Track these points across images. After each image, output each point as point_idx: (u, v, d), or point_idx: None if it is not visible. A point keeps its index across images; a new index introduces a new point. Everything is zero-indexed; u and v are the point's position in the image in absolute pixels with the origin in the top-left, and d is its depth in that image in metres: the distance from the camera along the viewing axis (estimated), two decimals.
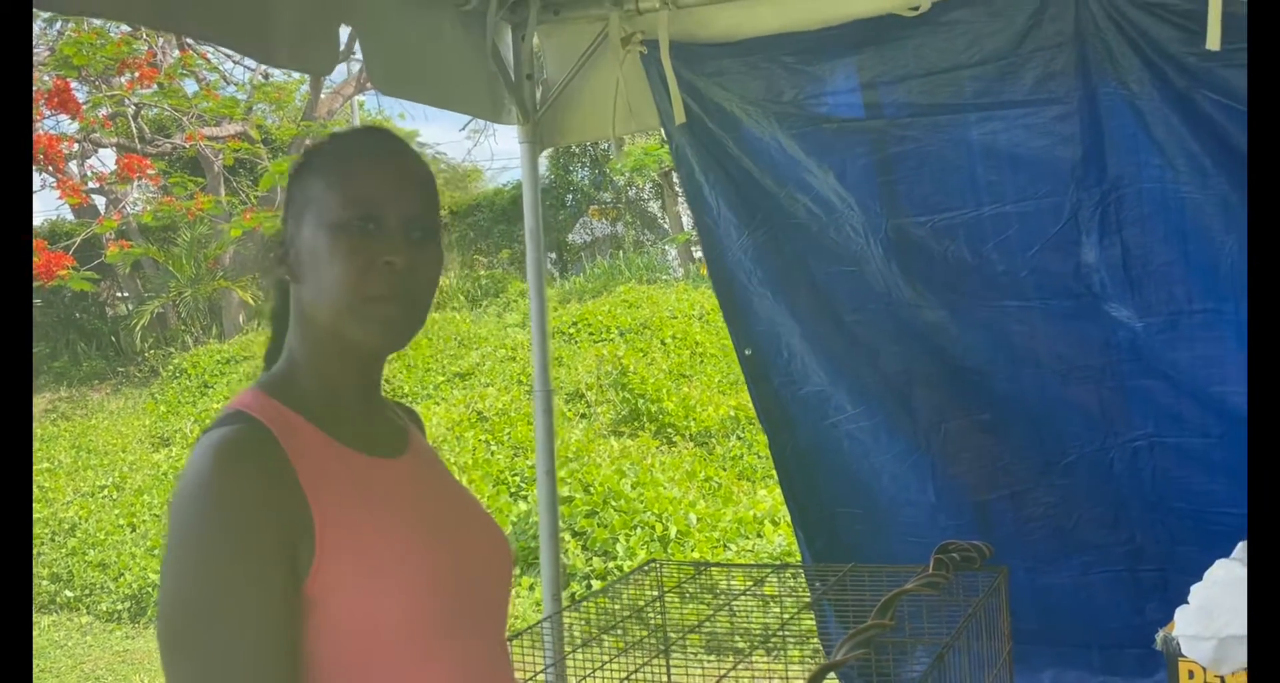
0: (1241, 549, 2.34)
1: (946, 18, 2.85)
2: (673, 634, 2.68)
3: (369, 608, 1.29)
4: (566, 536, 6.69)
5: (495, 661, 1.44)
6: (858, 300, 3.08)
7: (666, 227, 17.08)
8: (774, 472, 3.40)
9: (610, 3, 3.01)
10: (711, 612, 2.71)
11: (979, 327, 3.00)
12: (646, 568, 2.80)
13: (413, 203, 1.37)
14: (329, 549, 1.27)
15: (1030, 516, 3.06)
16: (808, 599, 3.08)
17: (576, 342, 10.96)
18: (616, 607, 2.75)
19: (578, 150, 16.77)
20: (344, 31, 2.60)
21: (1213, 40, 2.57)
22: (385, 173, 1.37)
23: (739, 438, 8.44)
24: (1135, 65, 2.71)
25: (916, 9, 2.82)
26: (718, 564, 2.92)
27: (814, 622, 3.23)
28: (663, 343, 10.67)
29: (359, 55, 2.67)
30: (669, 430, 8.76)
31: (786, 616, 2.68)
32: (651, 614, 2.76)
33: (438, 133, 35.86)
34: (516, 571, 6.79)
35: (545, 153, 16.88)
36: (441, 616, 1.34)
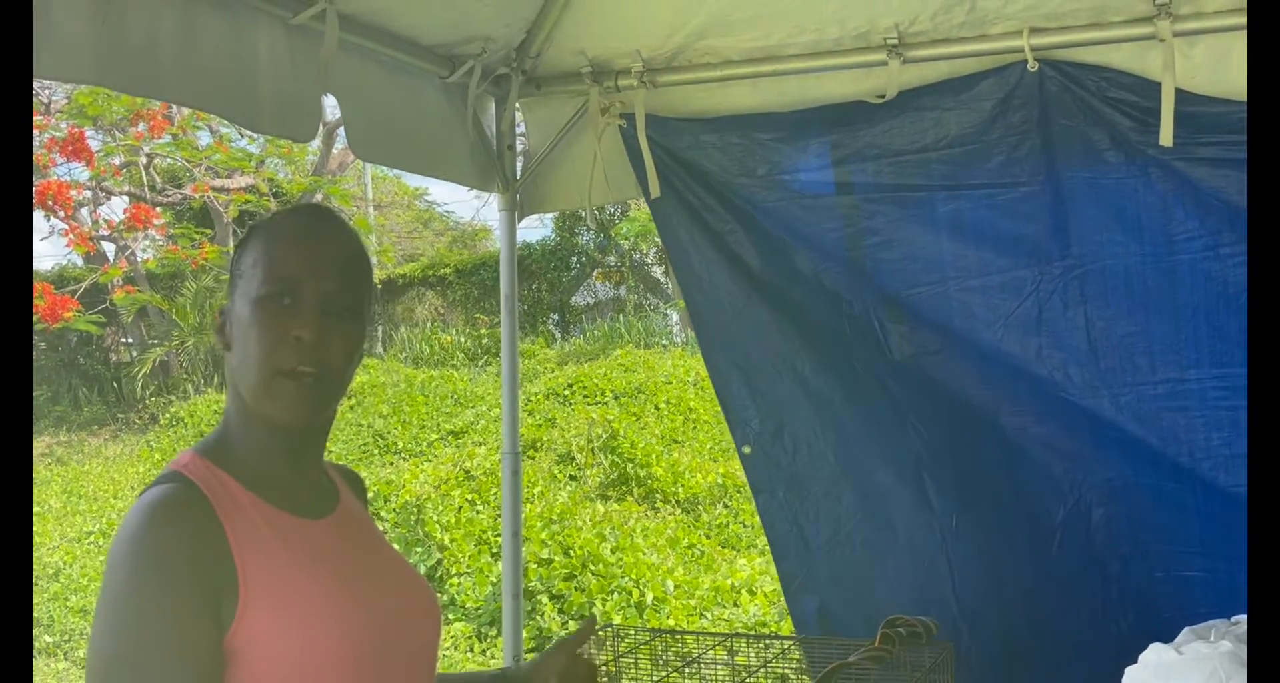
0: (1185, 634, 2.38)
1: (915, 104, 2.93)
2: None
3: (288, 661, 1.35)
4: (544, 598, 6.69)
5: None
6: (838, 376, 3.14)
7: (670, 291, 17.21)
8: (757, 541, 3.41)
9: (590, 79, 3.10)
10: (665, 673, 2.74)
11: (961, 380, 3.05)
12: (600, 631, 2.83)
13: (331, 280, 1.43)
14: (251, 604, 1.33)
15: (1032, 617, 3.05)
16: (779, 669, 3.09)
17: (571, 403, 11.01)
18: None
19: (584, 214, 16.93)
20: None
21: (1165, 137, 2.66)
22: (308, 251, 1.44)
23: (725, 506, 8.46)
24: (1100, 149, 2.80)
25: (883, 97, 2.91)
26: (672, 631, 2.95)
27: None
28: (656, 408, 10.72)
29: None
30: (655, 496, 8.77)
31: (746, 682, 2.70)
32: (614, 676, 2.79)
33: (446, 192, 36.14)
34: (492, 631, 6.77)
35: (551, 216, 17.00)
36: (360, 670, 1.39)
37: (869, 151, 3.01)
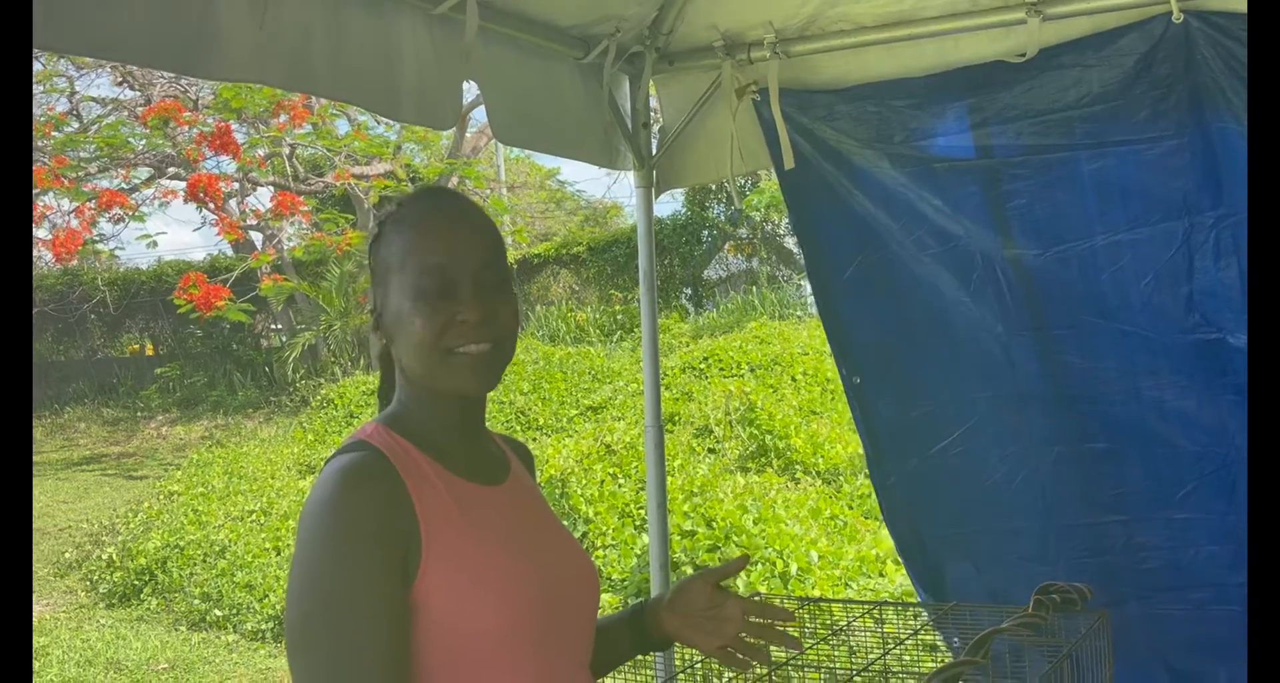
0: None
1: (1055, 62, 2.88)
2: (784, 665, 2.74)
3: (462, 617, 1.43)
4: (689, 569, 6.76)
5: (577, 678, 1.56)
6: (971, 329, 3.12)
7: (802, 261, 17.08)
8: None
9: (723, 53, 3.11)
10: (813, 642, 2.76)
11: (1095, 354, 3.01)
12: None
13: (478, 258, 1.51)
14: (432, 561, 1.43)
15: (1144, 548, 3.04)
16: (928, 638, 3.09)
17: (707, 377, 11.04)
18: None
19: (714, 187, 16.95)
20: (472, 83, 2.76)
21: None
22: (451, 235, 1.51)
23: (866, 477, 8.39)
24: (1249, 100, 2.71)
25: (1023, 56, 2.85)
26: (819, 600, 2.97)
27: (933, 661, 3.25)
28: (793, 379, 10.68)
29: None
30: (795, 467, 8.76)
31: (901, 652, 2.70)
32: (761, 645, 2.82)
33: (577, 171, 36.45)
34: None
35: (680, 190, 17.05)
36: (528, 630, 1.47)
37: (1009, 113, 2.96)
